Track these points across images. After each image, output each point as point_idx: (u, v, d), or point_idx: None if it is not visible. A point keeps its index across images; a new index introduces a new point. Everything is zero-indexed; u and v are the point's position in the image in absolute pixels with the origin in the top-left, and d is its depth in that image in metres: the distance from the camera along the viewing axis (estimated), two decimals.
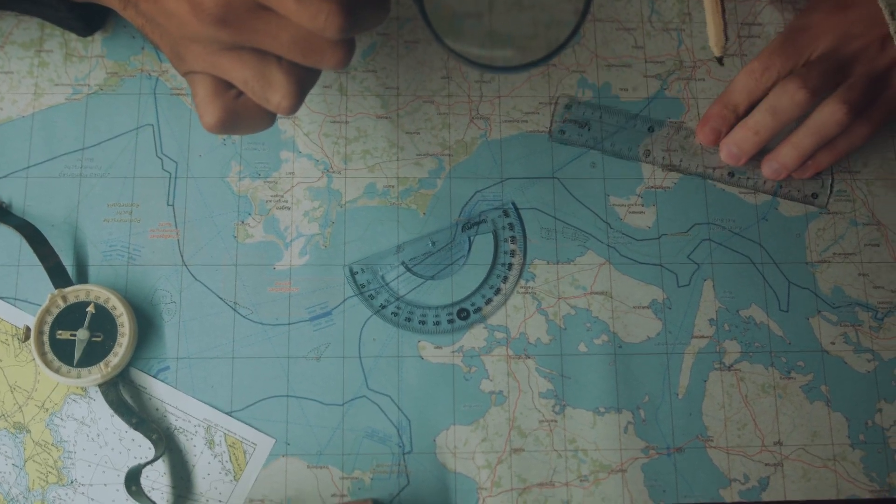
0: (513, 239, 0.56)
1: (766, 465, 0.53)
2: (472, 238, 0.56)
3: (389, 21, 0.59)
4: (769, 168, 0.56)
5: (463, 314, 0.54)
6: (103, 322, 0.52)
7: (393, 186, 0.57)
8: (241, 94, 0.41)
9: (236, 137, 0.56)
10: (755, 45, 0.61)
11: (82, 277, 0.54)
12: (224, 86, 0.40)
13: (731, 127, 0.56)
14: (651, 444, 0.53)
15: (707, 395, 0.54)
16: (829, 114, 0.53)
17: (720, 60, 0.52)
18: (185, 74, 0.41)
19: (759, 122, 0.54)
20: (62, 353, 0.51)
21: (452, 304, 0.55)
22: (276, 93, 0.39)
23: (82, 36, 0.57)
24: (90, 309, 0.52)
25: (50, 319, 0.52)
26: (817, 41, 0.55)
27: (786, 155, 0.55)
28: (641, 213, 0.57)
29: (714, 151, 0.57)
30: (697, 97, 0.59)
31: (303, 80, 0.40)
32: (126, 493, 0.49)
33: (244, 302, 0.54)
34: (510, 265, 0.55)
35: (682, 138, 0.58)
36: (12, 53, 0.57)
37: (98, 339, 0.52)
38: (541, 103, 0.58)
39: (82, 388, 0.52)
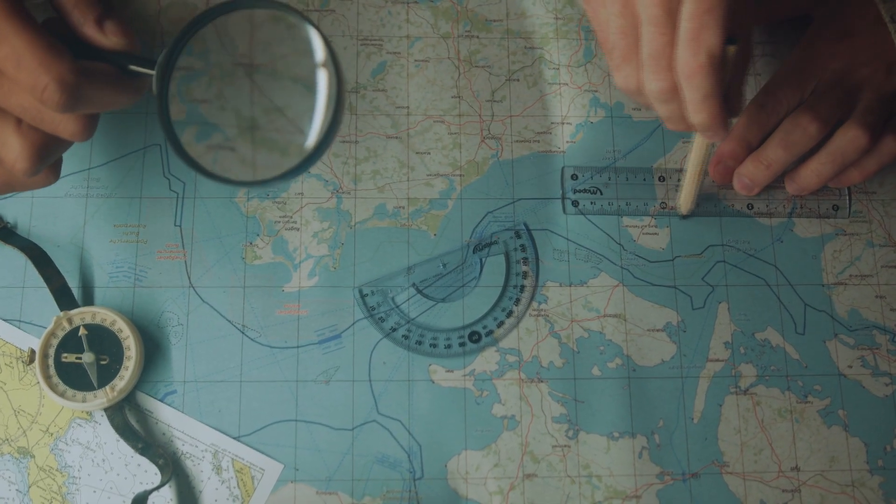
0: (525, 260, 0.55)
1: (783, 491, 0.52)
2: (483, 259, 0.55)
3: (399, 39, 0.59)
4: (791, 187, 0.56)
5: (474, 337, 0.54)
6: (109, 345, 0.51)
7: (403, 207, 0.56)
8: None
9: None
10: (770, 64, 0.60)
11: (88, 299, 0.53)
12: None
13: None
14: (666, 469, 0.52)
15: (723, 419, 0.53)
16: (850, 140, 0.52)
17: (684, 217, 0.56)
18: None
19: (770, 157, 0.54)
20: (67, 376, 0.50)
21: (464, 327, 0.54)
22: (9, 153, 0.38)
23: None
24: (83, 332, 0.51)
25: (55, 342, 0.51)
26: (823, 71, 0.54)
27: (807, 179, 0.55)
28: (655, 234, 0.56)
29: (729, 188, 0.57)
30: None
31: (42, 145, 0.39)
32: None
33: (252, 324, 0.53)
34: (522, 287, 0.55)
35: None
36: None
37: (104, 363, 0.51)
38: (553, 123, 0.58)
39: (87, 413, 0.51)
